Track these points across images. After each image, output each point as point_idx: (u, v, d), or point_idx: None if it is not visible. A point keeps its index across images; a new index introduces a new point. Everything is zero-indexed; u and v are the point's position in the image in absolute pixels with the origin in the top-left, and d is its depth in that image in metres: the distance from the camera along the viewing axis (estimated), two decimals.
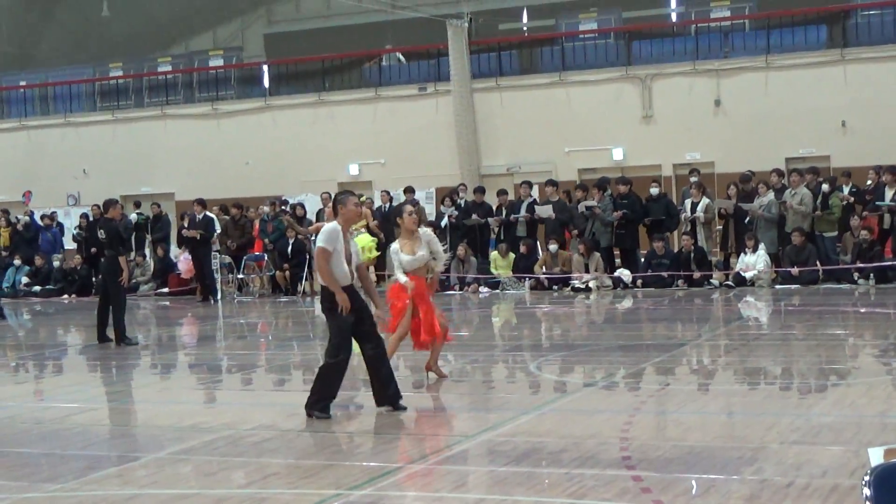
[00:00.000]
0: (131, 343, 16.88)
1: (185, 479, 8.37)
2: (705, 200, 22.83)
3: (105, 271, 17.53)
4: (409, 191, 25.64)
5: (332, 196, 24.65)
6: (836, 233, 22.07)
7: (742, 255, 22.15)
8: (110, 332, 17.12)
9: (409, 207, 12.39)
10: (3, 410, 11.83)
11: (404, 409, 10.49)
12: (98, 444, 9.74)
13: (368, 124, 30.74)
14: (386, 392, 10.47)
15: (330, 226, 10.18)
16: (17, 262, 28.31)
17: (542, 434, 9.23)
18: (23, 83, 36.47)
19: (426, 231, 12.40)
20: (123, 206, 18.61)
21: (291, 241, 24.80)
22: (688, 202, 23.01)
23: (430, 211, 27.07)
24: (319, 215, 25.57)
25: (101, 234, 17.55)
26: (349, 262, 10.16)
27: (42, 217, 29.91)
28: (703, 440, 8.79)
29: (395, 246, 12.11)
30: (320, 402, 10.23)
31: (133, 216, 28.23)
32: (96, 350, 17.29)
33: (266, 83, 33.49)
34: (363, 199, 20.12)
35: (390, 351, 11.70)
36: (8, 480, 8.37)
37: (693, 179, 23.46)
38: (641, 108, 28.37)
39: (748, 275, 21.74)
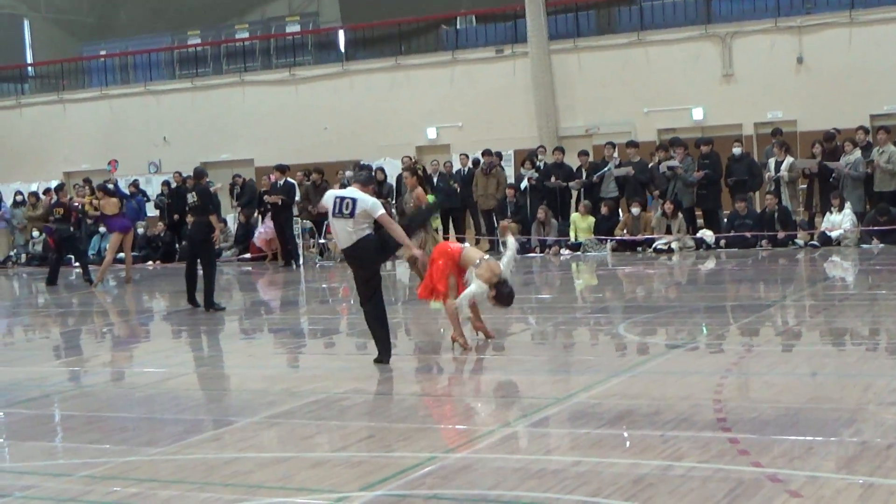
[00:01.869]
0: (219, 308, 17.07)
1: (281, 442, 8.47)
2: (789, 159, 22.52)
3: (196, 236, 17.67)
4: (487, 153, 25.58)
5: (412, 159, 24.81)
6: None
7: (827, 214, 21.86)
8: (199, 297, 17.37)
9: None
10: (98, 376, 12.06)
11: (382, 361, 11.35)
12: (193, 409, 9.88)
13: (445, 88, 30.70)
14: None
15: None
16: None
17: (635, 396, 9.20)
18: (103, 53, 36.86)
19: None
20: (208, 174, 18.84)
21: None
22: (771, 161, 22.72)
23: (510, 173, 26.99)
24: (400, 180, 25.66)
25: (192, 198, 17.74)
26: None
27: (127, 185, 30.24)
28: (798, 402, 8.71)
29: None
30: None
31: (218, 184, 28.42)
32: (183, 315, 17.53)
33: (342, 48, 33.55)
34: (417, 164, 20.34)
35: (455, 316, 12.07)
36: (110, 444, 8.52)
37: (775, 139, 23.14)
38: (721, 66, 28.03)
39: (834, 234, 21.46)
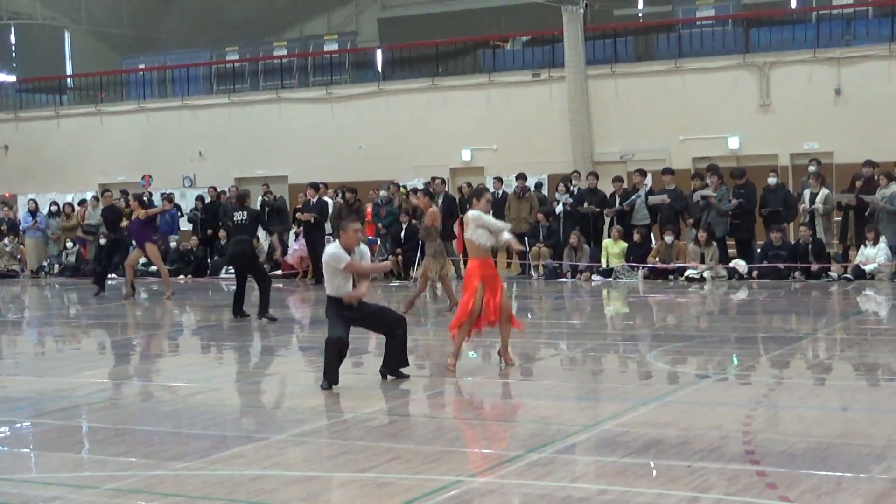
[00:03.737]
0: (272, 319, 17.68)
1: (307, 461, 8.46)
2: (824, 191, 22.40)
3: (245, 254, 18.30)
4: (520, 177, 25.56)
5: (443, 181, 24.90)
6: None
7: (862, 247, 21.71)
8: (247, 309, 18.22)
9: (487, 194, 12.60)
10: (126, 389, 12.08)
11: (406, 376, 11.66)
12: (220, 425, 9.88)
13: (482, 110, 30.73)
14: (392, 365, 11.70)
15: (336, 251, 11.37)
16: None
17: (663, 425, 9.14)
18: (142, 66, 37.11)
19: (474, 214, 12.45)
20: (246, 192, 19.20)
21: (405, 226, 24.89)
22: (806, 192, 22.59)
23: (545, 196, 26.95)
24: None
25: (240, 216, 18.24)
26: (355, 281, 11.41)
27: (162, 197, 30.35)
28: (828, 436, 8.64)
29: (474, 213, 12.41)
30: (325, 377, 11.33)
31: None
32: (214, 330, 17.65)
33: (380, 68, 33.65)
34: (436, 181, 20.48)
35: (458, 343, 12.34)
36: (136, 458, 8.54)
37: (812, 169, 23.02)
38: (759, 96, 27.92)
39: (868, 268, 21.30)
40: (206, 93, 35.48)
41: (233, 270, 19.95)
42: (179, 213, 30.42)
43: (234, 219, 18.34)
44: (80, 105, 37.52)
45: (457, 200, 25.87)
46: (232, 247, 18.84)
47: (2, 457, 9.05)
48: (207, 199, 29.32)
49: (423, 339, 15.61)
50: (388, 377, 11.72)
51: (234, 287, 18.76)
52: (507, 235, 12.53)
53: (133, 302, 22.37)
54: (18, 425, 10.31)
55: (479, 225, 12.29)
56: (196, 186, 33.11)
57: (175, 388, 12.00)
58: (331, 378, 11.29)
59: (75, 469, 8.41)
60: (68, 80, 40.23)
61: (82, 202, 30.95)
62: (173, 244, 28.38)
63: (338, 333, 11.31)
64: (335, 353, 11.35)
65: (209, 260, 28.07)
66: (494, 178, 26.63)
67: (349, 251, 11.37)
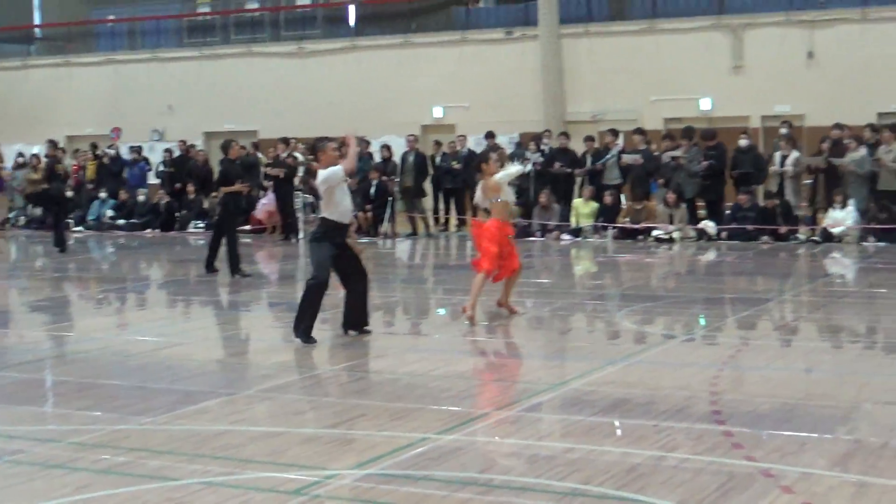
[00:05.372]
0: (245, 275, 17.49)
1: (273, 417, 8.43)
2: (795, 154, 22.43)
3: (221, 207, 18.09)
4: (490, 135, 25.46)
5: (415, 138, 24.74)
6: None
7: (830, 210, 21.78)
8: (218, 264, 17.93)
9: (493, 155, 12.82)
10: (91, 342, 11.99)
11: (368, 332, 11.67)
12: (187, 379, 9.82)
13: (454, 67, 30.57)
14: (353, 320, 11.65)
15: (333, 169, 11.28)
16: (102, 195, 28.62)
17: (630, 385, 9.16)
18: (111, 17, 36.73)
19: (499, 176, 12.70)
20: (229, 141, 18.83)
21: (375, 182, 24.81)
22: (777, 155, 22.62)
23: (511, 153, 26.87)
24: (405, 157, 25.63)
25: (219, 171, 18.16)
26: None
27: (130, 150, 30.14)
28: (794, 397, 8.67)
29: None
30: (302, 322, 11.25)
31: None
32: (181, 284, 17.58)
33: (352, 23, 33.41)
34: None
35: (476, 292, 12.33)
36: (102, 412, 8.49)
37: (783, 132, 23.04)
38: (732, 58, 27.90)
39: (836, 231, 21.38)
40: (176, 45, 35.14)
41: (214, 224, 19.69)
42: (148, 167, 30.20)
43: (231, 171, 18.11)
44: (48, 56, 37.13)
45: (427, 157, 25.82)
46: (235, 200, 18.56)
47: None
48: (176, 153, 29.12)
49: (389, 296, 15.59)
50: (351, 332, 11.67)
51: (210, 242, 18.37)
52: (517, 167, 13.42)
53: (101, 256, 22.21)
54: None
55: (505, 185, 12.70)
56: (165, 140, 32.86)
57: (141, 343, 11.92)
58: (310, 327, 11.24)
59: (39, 422, 8.36)
60: (36, 30, 39.78)
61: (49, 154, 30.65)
62: (141, 198, 28.18)
63: (327, 275, 11.25)
64: (320, 296, 11.29)
65: (177, 214, 27.88)
66: (458, 136, 26.43)
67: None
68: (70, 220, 27.04)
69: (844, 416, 7.95)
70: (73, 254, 22.64)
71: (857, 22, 26.89)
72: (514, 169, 13.36)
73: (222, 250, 17.71)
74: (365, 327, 11.74)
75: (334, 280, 11.55)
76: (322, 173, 11.37)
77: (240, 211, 18.49)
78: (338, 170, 11.27)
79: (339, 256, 11.38)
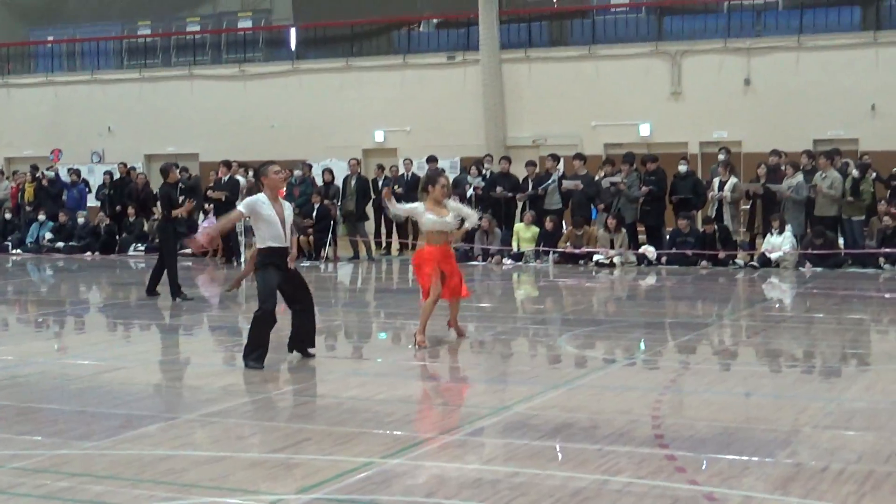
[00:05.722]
0: (186, 298, 17.48)
1: (216, 441, 8.39)
2: (733, 180, 22.71)
3: (160, 232, 18.21)
4: (431, 159, 25.53)
5: (357, 161, 24.77)
6: (863, 217, 21.94)
7: (768, 235, 22.05)
8: (160, 288, 17.92)
9: (443, 179, 12.75)
10: (31, 366, 11.86)
11: (312, 356, 11.67)
12: (129, 404, 9.74)
13: (395, 91, 30.67)
14: (299, 341, 11.65)
15: (252, 198, 11.38)
16: (41, 217, 28.34)
17: (573, 409, 9.21)
18: (51, 38, 36.45)
19: (452, 203, 12.74)
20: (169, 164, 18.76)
21: (316, 206, 24.78)
22: (715, 181, 22.88)
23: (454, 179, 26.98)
24: (346, 181, 25.61)
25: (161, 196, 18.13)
26: (283, 226, 11.29)
27: (69, 172, 29.89)
28: (735, 421, 8.77)
29: (421, 207, 12.82)
30: (254, 351, 11.19)
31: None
32: (120, 308, 17.45)
33: (294, 46, 33.42)
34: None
35: (426, 315, 12.53)
36: (42, 437, 8.41)
37: (721, 158, 23.33)
38: (670, 84, 28.26)
39: (773, 256, 21.65)
40: (116, 67, 34.97)
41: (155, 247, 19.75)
42: (87, 189, 29.96)
43: (171, 196, 18.11)
44: None
45: (369, 181, 25.84)
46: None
47: None
48: (116, 175, 28.94)
49: (331, 320, 15.57)
50: (294, 352, 11.67)
51: (153, 265, 18.37)
52: (473, 222, 13.17)
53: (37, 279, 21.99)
54: None
55: (456, 215, 12.73)
56: (105, 162, 32.64)
57: (81, 367, 11.81)
58: (263, 354, 11.21)
59: None
60: None
61: None
62: (81, 220, 27.95)
63: (273, 303, 11.22)
64: (269, 325, 11.27)
65: (117, 237, 27.67)
66: (405, 160, 26.57)
67: (273, 195, 11.39)
68: (8, 243, 26.76)
69: (785, 440, 8.05)
70: (12, 276, 22.40)
71: (793, 50, 27.35)
72: (471, 215, 13.09)
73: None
74: (310, 349, 11.72)
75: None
76: (246, 200, 11.44)
77: (179, 235, 18.39)
78: (259, 197, 11.32)
79: (282, 279, 11.36)
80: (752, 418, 8.98)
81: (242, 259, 24.04)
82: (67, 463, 7.65)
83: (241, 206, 11.47)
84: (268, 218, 11.23)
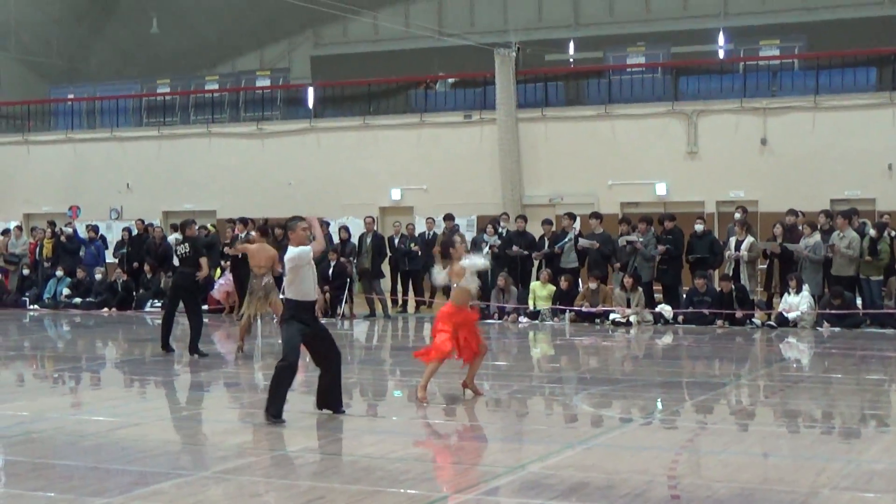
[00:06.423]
0: (202, 355, 17.48)
1: (230, 498, 8.35)
2: (749, 239, 22.68)
3: (183, 286, 17.97)
4: (448, 218, 25.58)
5: (373, 220, 24.77)
6: (881, 276, 21.85)
7: (785, 295, 21.97)
8: (173, 343, 17.96)
9: (457, 237, 12.94)
10: (45, 422, 11.86)
11: (343, 412, 11.72)
12: (143, 460, 9.72)
13: (412, 150, 30.79)
14: (327, 399, 11.74)
15: (307, 248, 11.47)
16: (59, 273, 28.43)
17: (589, 469, 9.16)
18: (70, 96, 36.73)
19: (465, 261, 12.84)
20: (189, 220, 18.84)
21: (333, 264, 24.79)
22: (732, 240, 22.85)
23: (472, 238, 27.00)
24: (362, 238, 25.64)
25: (183, 248, 18.02)
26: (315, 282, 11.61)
27: (87, 228, 30.02)
28: (752, 482, 8.70)
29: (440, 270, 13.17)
30: (273, 405, 11.27)
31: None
32: (136, 364, 17.44)
33: (311, 105, 33.61)
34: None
35: (429, 373, 12.66)
36: (55, 493, 8.38)
37: (738, 217, 23.32)
38: (686, 143, 28.29)
39: (791, 315, 21.56)
40: (135, 125, 35.17)
41: (166, 302, 19.64)
42: (105, 246, 30.08)
43: (178, 252, 18.17)
44: (6, 133, 36.97)
45: (385, 239, 25.89)
46: (176, 278, 18.53)
47: None
48: (134, 232, 29.05)
49: (347, 377, 15.53)
50: (324, 410, 11.73)
51: (161, 320, 18.46)
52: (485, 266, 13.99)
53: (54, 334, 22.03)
54: None
55: (472, 272, 12.94)
56: (123, 219, 32.77)
57: (96, 423, 11.80)
58: (281, 408, 11.24)
59: None
60: None
61: (6, 231, 30.47)
62: (98, 276, 28.02)
63: (296, 356, 11.28)
64: (290, 378, 11.36)
65: (135, 293, 27.73)
66: (427, 219, 26.64)
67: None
68: (26, 299, 26.83)
69: (803, 502, 7.98)
70: (29, 332, 22.44)
71: (809, 110, 27.37)
72: (480, 262, 13.46)
73: (178, 329, 17.69)
74: (340, 408, 11.78)
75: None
76: (292, 251, 11.46)
77: (197, 288, 18.38)
78: (307, 249, 11.43)
79: (310, 336, 11.45)
80: (770, 479, 8.91)
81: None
82: None
83: (299, 252, 11.44)
84: (308, 272, 11.45)
